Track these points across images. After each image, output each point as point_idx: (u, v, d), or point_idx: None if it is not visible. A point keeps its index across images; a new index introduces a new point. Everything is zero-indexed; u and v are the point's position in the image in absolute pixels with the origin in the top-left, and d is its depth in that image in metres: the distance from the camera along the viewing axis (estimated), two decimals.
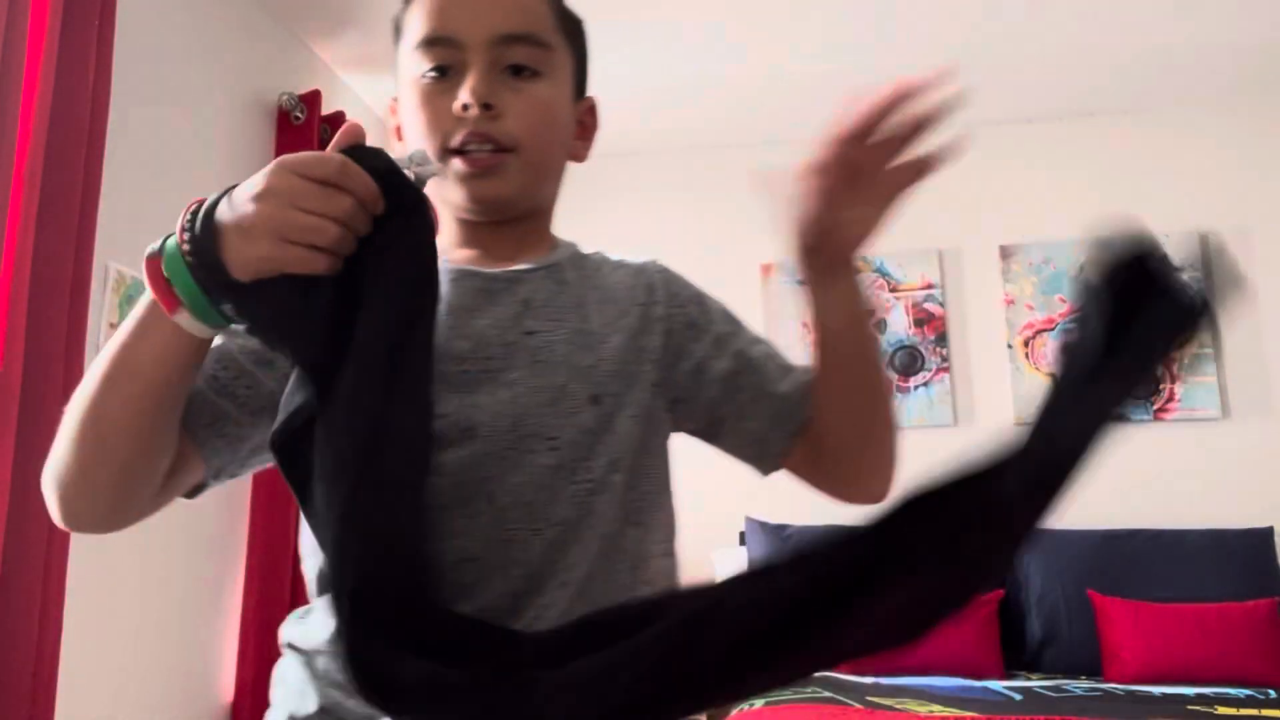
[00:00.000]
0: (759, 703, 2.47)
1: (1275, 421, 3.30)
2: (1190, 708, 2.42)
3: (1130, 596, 2.91)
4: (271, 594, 2.51)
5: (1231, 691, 2.62)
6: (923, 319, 3.57)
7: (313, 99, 2.85)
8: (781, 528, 3.23)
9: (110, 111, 2.03)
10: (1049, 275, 3.50)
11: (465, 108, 0.77)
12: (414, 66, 0.81)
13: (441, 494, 0.71)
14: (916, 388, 3.51)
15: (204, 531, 2.44)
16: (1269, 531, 3.03)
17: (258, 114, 2.78)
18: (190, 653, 2.38)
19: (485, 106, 0.77)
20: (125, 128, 2.21)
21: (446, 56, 0.80)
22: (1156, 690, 2.65)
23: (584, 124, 0.90)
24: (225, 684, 2.50)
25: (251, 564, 2.52)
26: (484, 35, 0.79)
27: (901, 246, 3.63)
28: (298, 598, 2.58)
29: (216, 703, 2.47)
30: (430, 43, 0.80)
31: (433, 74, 0.80)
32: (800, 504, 3.41)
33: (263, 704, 2.68)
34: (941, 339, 3.54)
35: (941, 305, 3.56)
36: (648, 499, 0.80)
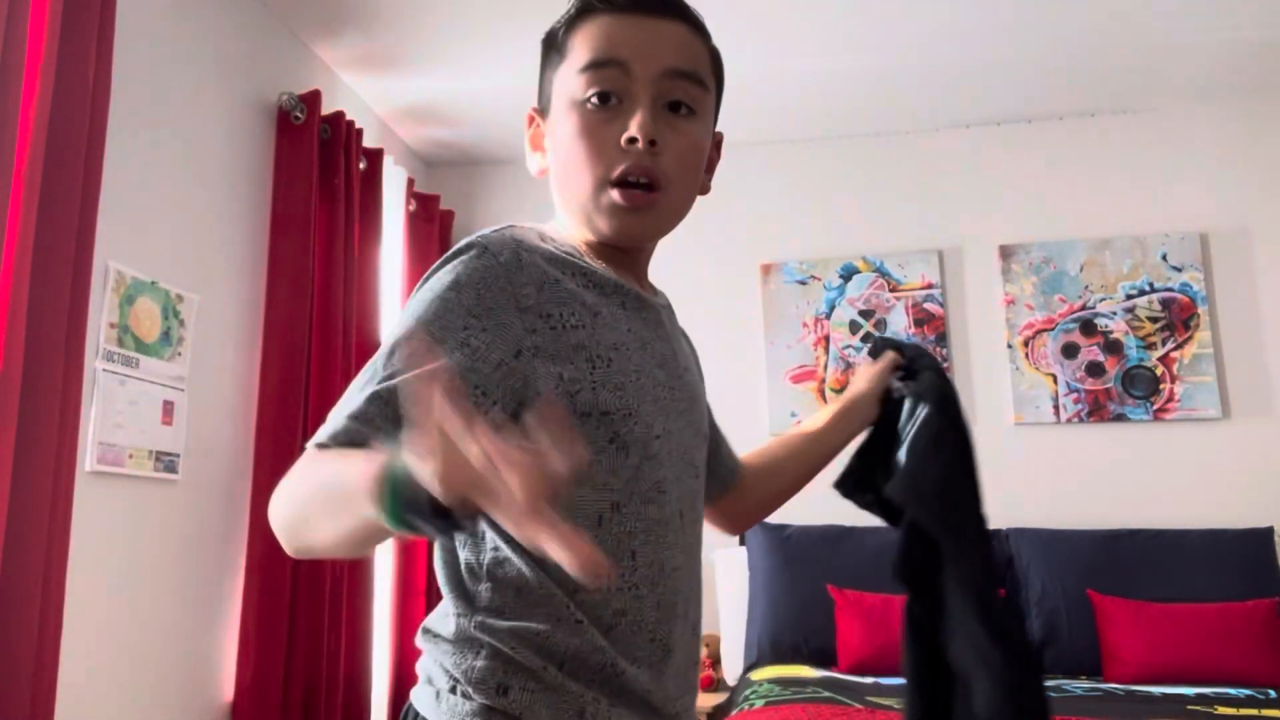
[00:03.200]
0: (759, 703, 2.46)
1: (1275, 421, 3.30)
2: (1190, 708, 2.42)
3: (1130, 596, 2.91)
4: (271, 594, 2.51)
5: (1231, 691, 2.62)
6: (923, 319, 3.57)
7: (313, 99, 2.85)
8: (781, 528, 3.23)
9: (110, 111, 2.03)
10: (1049, 275, 3.50)
11: (633, 141, 0.81)
12: (578, 88, 0.83)
13: (667, 505, 0.82)
14: None
15: (204, 531, 2.44)
16: (1269, 531, 3.03)
17: (258, 114, 2.78)
18: (190, 653, 2.38)
19: (651, 143, 0.81)
20: (125, 127, 2.21)
21: (614, 83, 0.82)
22: (1156, 690, 2.65)
23: (711, 158, 0.93)
24: (225, 684, 2.50)
25: (251, 564, 2.52)
26: (655, 68, 0.83)
27: (901, 246, 3.63)
28: (298, 597, 2.58)
29: (216, 703, 2.47)
30: (601, 64, 0.82)
31: (597, 99, 0.82)
32: (799, 505, 3.42)
33: (262, 704, 2.67)
34: (941, 339, 3.54)
35: (941, 305, 3.56)
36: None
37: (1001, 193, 3.61)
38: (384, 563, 3.17)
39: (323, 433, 0.71)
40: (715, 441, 1.04)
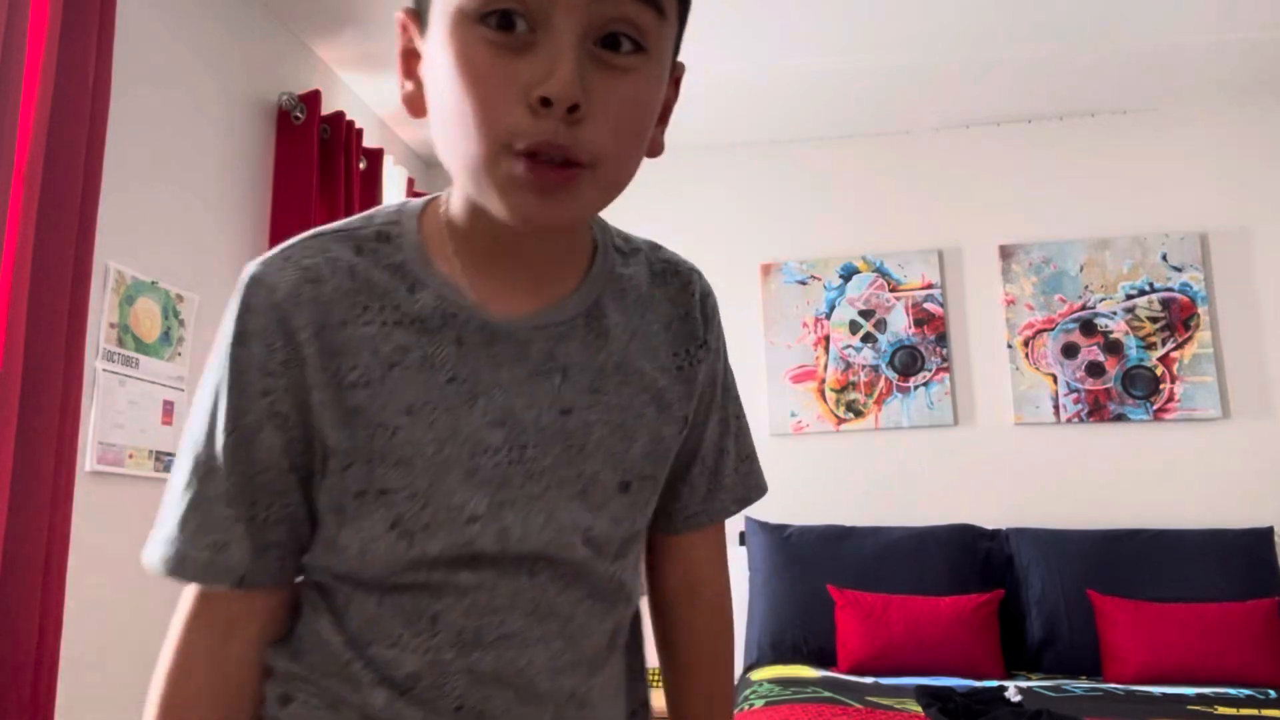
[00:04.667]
0: (759, 703, 2.47)
1: (1275, 421, 3.30)
2: (1190, 708, 2.42)
3: (1130, 596, 2.91)
4: None
5: (1231, 691, 2.62)
6: (923, 319, 3.57)
7: (313, 99, 2.85)
8: (782, 528, 3.23)
9: (110, 111, 2.03)
10: (1049, 275, 3.50)
11: (545, 103, 0.56)
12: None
13: (491, 575, 0.67)
14: (916, 388, 3.51)
15: None
16: (1269, 531, 3.03)
17: (258, 114, 2.78)
18: None
19: (573, 108, 0.56)
20: (125, 128, 2.21)
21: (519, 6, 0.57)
22: (1156, 690, 2.65)
23: (668, 102, 0.68)
24: None
25: None
26: None
27: (901, 246, 3.63)
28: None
29: None
30: None
31: (496, 22, 0.57)
32: (800, 505, 3.43)
33: None
34: (941, 339, 3.54)
35: (941, 305, 3.56)
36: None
37: (1001, 193, 3.62)
38: None
39: (169, 560, 0.68)
40: (685, 479, 0.80)
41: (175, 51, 2.45)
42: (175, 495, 0.69)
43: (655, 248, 0.79)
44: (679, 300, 0.77)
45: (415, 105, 0.67)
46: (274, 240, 2.73)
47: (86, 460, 2.06)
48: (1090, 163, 3.57)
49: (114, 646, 2.14)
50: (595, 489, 0.69)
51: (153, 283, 2.29)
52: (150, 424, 2.26)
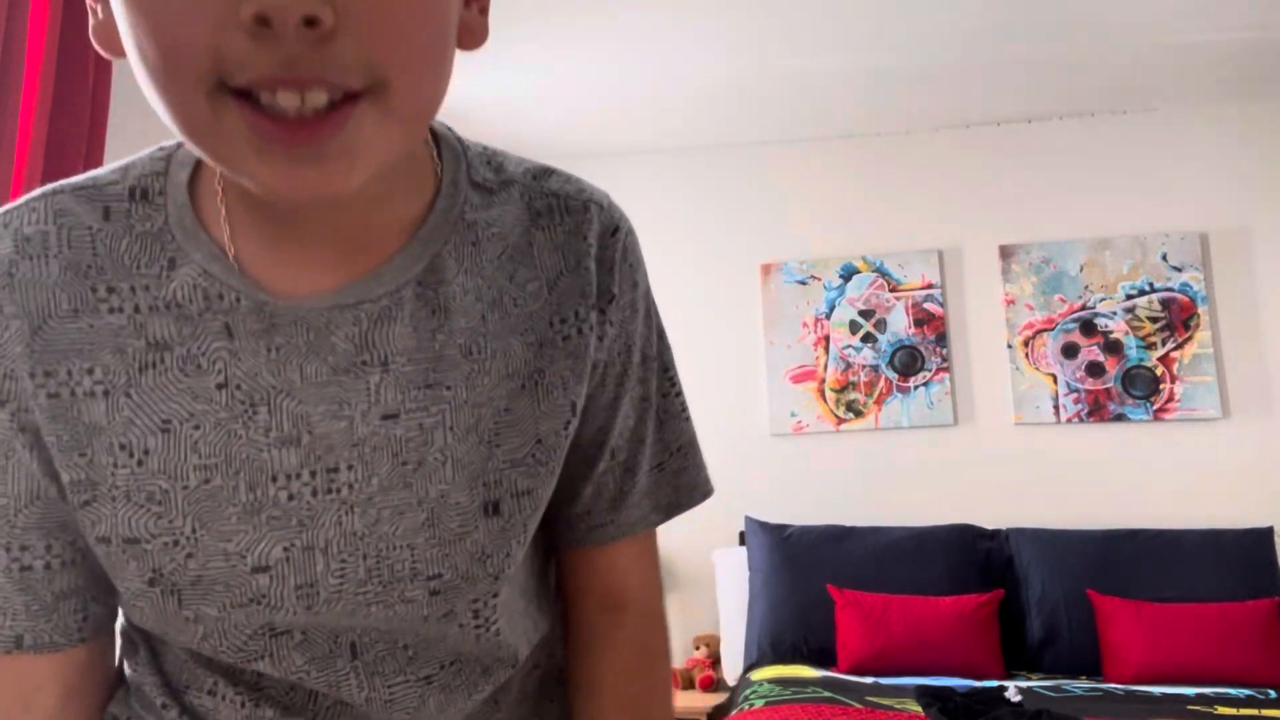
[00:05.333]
0: (759, 703, 2.47)
1: (1275, 421, 3.30)
2: (1190, 708, 2.42)
3: (1130, 596, 2.91)
4: None
5: (1231, 691, 2.62)
6: (923, 319, 3.57)
7: None
8: (782, 528, 3.23)
9: (110, 112, 2.03)
10: (1049, 275, 3.50)
11: (262, 22, 0.38)
12: None
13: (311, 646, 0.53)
14: (916, 388, 3.51)
15: None
16: (1269, 531, 3.03)
17: None
18: None
19: (308, 21, 0.38)
20: (125, 128, 2.21)
21: None
22: (1156, 690, 2.65)
23: None
24: None
25: None
26: None
27: (901, 246, 3.64)
28: None
29: None
30: None
31: None
32: (799, 505, 3.43)
33: None
34: (941, 339, 3.54)
35: (941, 305, 3.56)
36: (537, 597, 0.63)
37: (1001, 193, 3.62)
38: None
39: None
40: (587, 478, 0.61)
41: None
42: None
43: (541, 174, 0.58)
44: (569, 246, 0.56)
45: (109, 40, 0.45)
46: None
47: None
48: (1090, 163, 3.57)
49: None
50: (446, 515, 0.52)
51: None
52: None
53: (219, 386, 0.49)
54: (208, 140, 0.42)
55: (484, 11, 0.51)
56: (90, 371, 0.49)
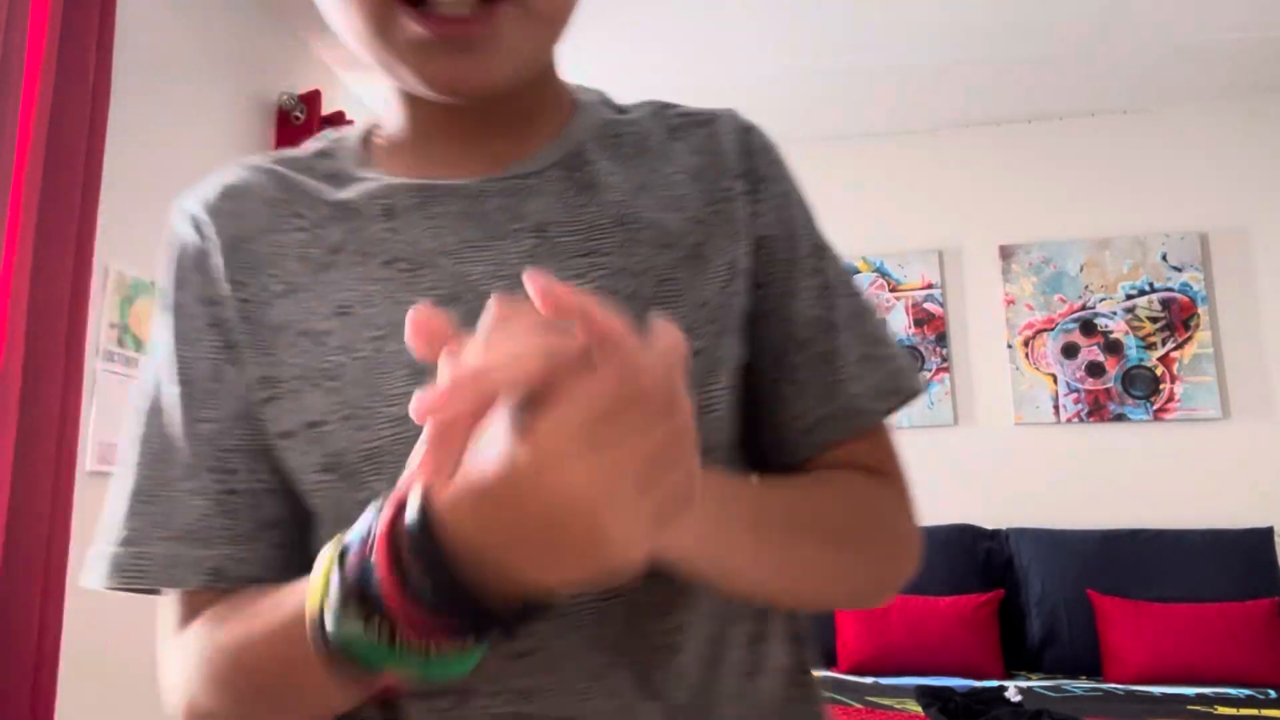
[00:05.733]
0: None
1: (1275, 421, 3.30)
2: (1190, 708, 2.42)
3: (1130, 596, 2.91)
4: None
5: (1231, 691, 2.62)
6: (923, 319, 3.57)
7: (313, 99, 2.85)
8: None
9: (110, 111, 2.03)
10: (1049, 275, 3.50)
11: None
12: None
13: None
14: None
15: None
16: (1269, 531, 3.03)
17: (258, 113, 2.78)
18: None
19: None
20: (125, 128, 2.21)
21: None
22: (1156, 690, 2.65)
23: None
24: None
25: None
26: None
27: (901, 246, 3.63)
28: None
29: None
30: None
31: None
32: None
33: None
34: (941, 339, 3.54)
35: (941, 305, 3.56)
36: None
37: (1001, 193, 3.61)
38: None
39: (116, 567, 0.52)
40: (785, 375, 0.56)
41: (175, 51, 2.45)
42: (117, 496, 0.54)
43: (666, 105, 0.63)
44: (707, 146, 0.59)
45: None
46: None
47: (86, 460, 2.06)
48: (1090, 163, 3.57)
49: (114, 646, 2.14)
50: None
51: (153, 283, 2.29)
52: None
53: (385, 264, 0.52)
54: (380, 42, 0.48)
55: None
56: (275, 277, 0.53)
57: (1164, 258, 3.44)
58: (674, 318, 0.50)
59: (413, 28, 0.47)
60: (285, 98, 2.81)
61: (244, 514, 0.52)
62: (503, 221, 0.53)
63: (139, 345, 2.24)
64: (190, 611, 0.53)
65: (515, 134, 0.56)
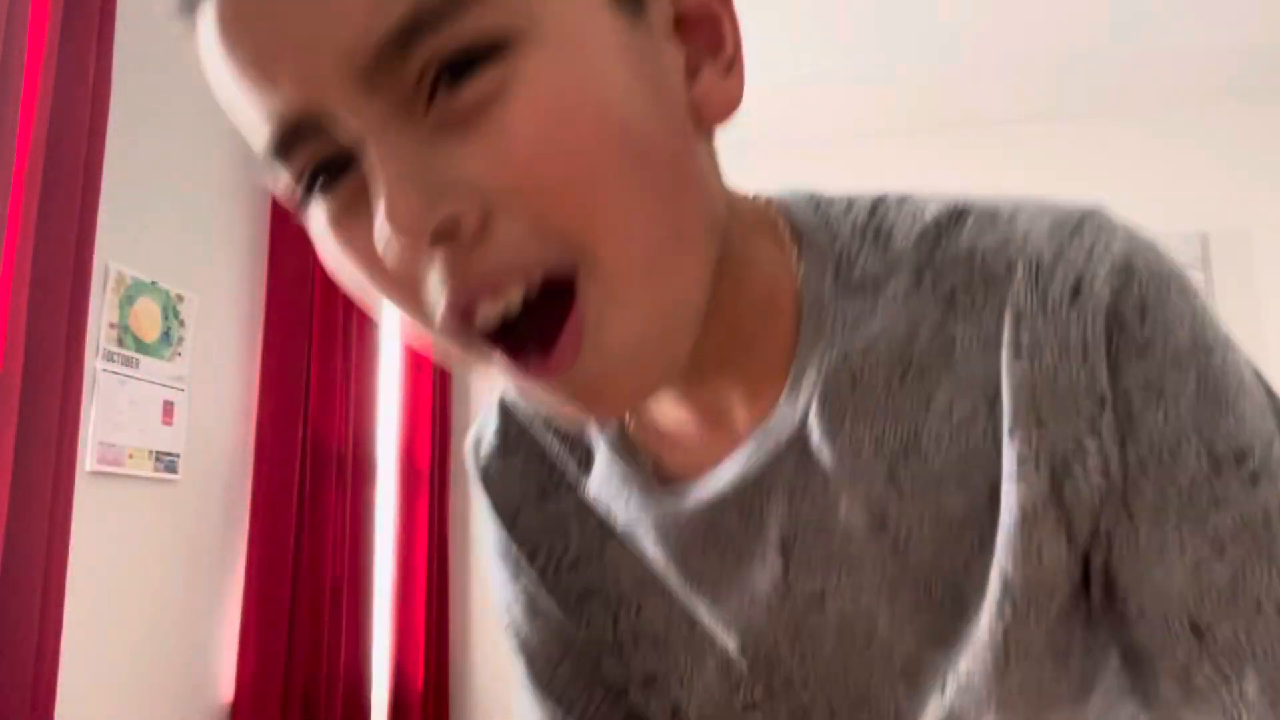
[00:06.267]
0: None
1: None
2: None
3: None
4: (271, 593, 2.51)
5: None
6: None
7: None
8: None
9: (110, 111, 2.03)
10: None
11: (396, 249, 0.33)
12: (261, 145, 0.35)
13: None
14: None
15: (204, 531, 2.44)
16: None
17: None
18: (190, 653, 2.38)
19: (449, 226, 0.32)
20: (125, 128, 2.21)
21: (306, 139, 0.34)
22: None
23: (691, 25, 0.38)
24: (225, 684, 2.50)
25: (251, 564, 2.52)
26: (327, 67, 0.32)
27: None
28: (298, 597, 2.58)
29: (216, 703, 2.47)
30: (281, 126, 0.34)
31: (323, 200, 0.35)
32: None
33: (262, 704, 2.68)
34: None
35: None
36: None
37: (1002, 193, 3.61)
38: (384, 562, 3.17)
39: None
40: (1137, 676, 0.40)
41: (175, 51, 2.44)
42: None
43: (940, 232, 0.41)
44: (998, 336, 0.39)
45: None
46: (274, 240, 2.73)
47: (86, 460, 2.06)
48: (1090, 163, 3.57)
49: (114, 646, 2.14)
50: (925, 678, 0.43)
51: (153, 283, 2.29)
52: (150, 424, 2.26)
53: (648, 570, 0.49)
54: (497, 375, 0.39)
55: (732, 67, 0.38)
56: (567, 549, 0.51)
57: None
58: (952, 641, 0.41)
59: (500, 360, 0.36)
60: None
61: None
62: (741, 539, 0.44)
63: (139, 345, 2.24)
64: None
65: (739, 377, 0.43)
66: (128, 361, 2.20)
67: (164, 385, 2.32)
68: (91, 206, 1.93)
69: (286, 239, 2.73)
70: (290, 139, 0.34)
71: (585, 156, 0.33)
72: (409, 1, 0.31)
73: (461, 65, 0.32)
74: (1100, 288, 0.37)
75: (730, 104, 0.38)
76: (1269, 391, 0.39)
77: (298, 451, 2.56)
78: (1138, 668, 0.39)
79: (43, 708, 1.74)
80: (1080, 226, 0.39)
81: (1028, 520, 0.38)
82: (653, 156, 0.34)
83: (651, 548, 0.47)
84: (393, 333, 3.30)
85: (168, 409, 2.32)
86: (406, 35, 0.31)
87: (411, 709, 3.09)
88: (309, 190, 0.35)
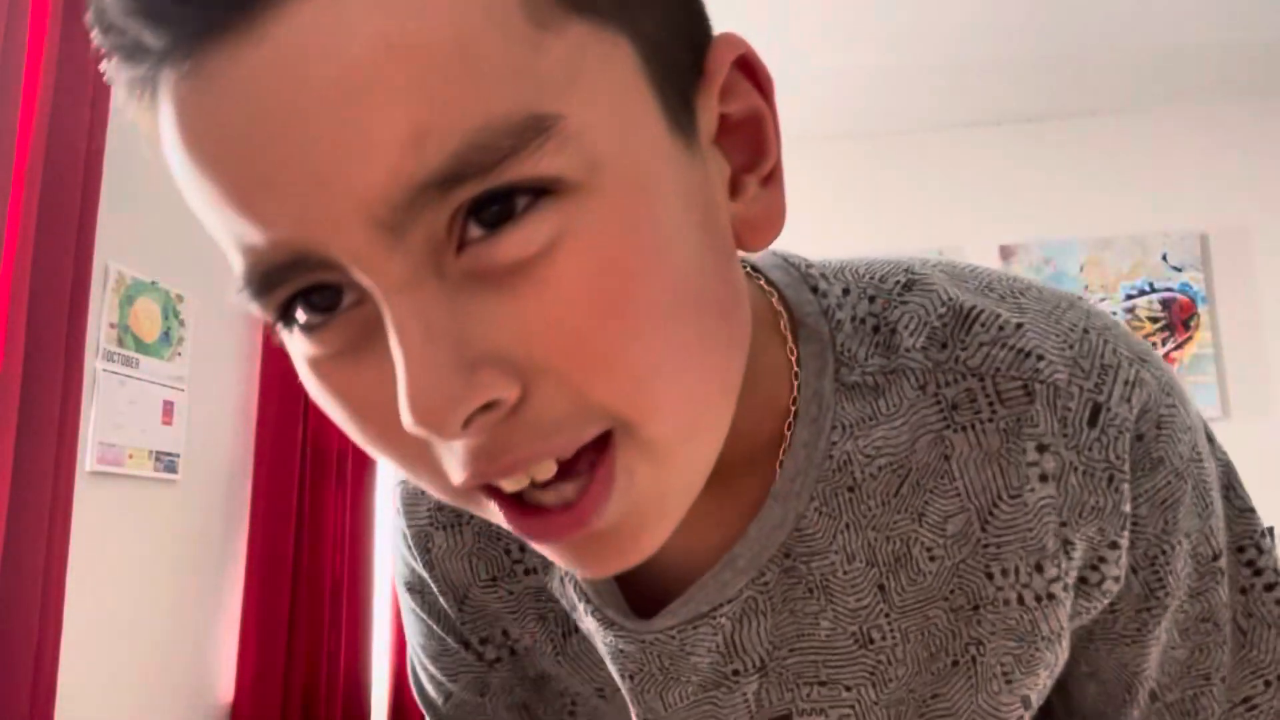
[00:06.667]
0: None
1: (1275, 421, 3.30)
2: None
3: None
4: (271, 594, 2.51)
5: None
6: None
7: None
8: None
9: (110, 111, 2.03)
10: (1049, 275, 3.50)
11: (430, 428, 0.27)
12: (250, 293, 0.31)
13: None
14: None
15: (204, 531, 2.44)
16: (1269, 531, 3.03)
17: None
18: (190, 653, 2.38)
19: (486, 408, 0.28)
20: (125, 128, 2.21)
21: (290, 264, 0.28)
22: None
23: (732, 130, 0.34)
24: (225, 684, 2.50)
25: (251, 564, 2.52)
26: (351, 202, 0.26)
27: (902, 246, 3.63)
28: (298, 598, 2.58)
29: (216, 703, 2.47)
30: (260, 265, 0.29)
31: (319, 341, 0.30)
32: None
33: (262, 704, 2.68)
34: None
35: None
36: None
37: (1001, 193, 3.61)
38: (384, 563, 3.17)
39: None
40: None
41: None
42: None
43: (950, 338, 0.38)
44: (1009, 456, 0.38)
45: None
46: None
47: (86, 460, 2.06)
48: (1090, 163, 3.57)
49: (114, 646, 2.14)
50: None
51: (153, 283, 2.29)
52: (150, 424, 2.26)
53: (606, 683, 0.46)
54: (503, 528, 0.36)
55: (770, 182, 0.34)
56: (523, 634, 0.47)
57: (1164, 258, 3.44)
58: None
59: (503, 522, 0.32)
60: None
61: None
62: (716, 665, 0.41)
63: (139, 345, 2.24)
64: None
65: (715, 490, 0.38)
66: (128, 361, 2.20)
67: (164, 385, 2.31)
68: (91, 206, 1.93)
69: None
70: (272, 280, 0.28)
71: (640, 322, 0.28)
72: (459, 139, 0.25)
73: (503, 208, 0.27)
74: (1118, 407, 0.37)
75: (776, 223, 0.34)
76: (1226, 485, 0.43)
77: (298, 451, 2.56)
78: (1073, 705, 0.43)
79: (43, 708, 1.74)
80: (1086, 336, 0.38)
81: (1052, 641, 0.39)
82: (706, 306, 0.31)
83: (610, 663, 0.44)
84: None
85: (168, 409, 2.32)
86: (451, 182, 0.26)
87: (411, 709, 3.09)
88: (286, 317, 0.30)
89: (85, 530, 2.03)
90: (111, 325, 2.15)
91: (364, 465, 2.85)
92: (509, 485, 0.30)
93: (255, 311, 0.30)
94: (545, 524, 0.31)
